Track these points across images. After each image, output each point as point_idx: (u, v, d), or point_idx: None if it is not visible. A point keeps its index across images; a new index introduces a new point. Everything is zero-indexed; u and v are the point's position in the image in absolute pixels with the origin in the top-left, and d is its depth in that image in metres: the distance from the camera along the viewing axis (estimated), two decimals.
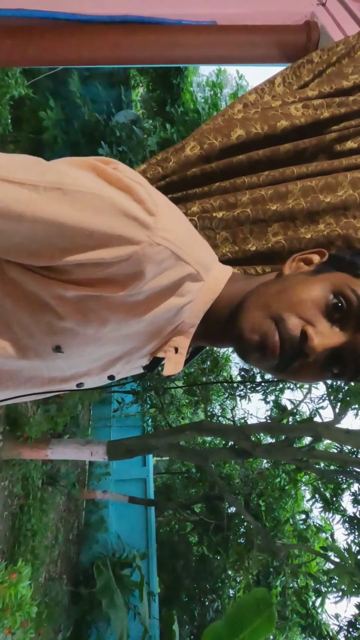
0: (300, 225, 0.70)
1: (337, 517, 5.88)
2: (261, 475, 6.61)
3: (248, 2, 1.08)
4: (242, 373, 6.63)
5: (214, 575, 7.33)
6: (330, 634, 6.23)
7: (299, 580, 6.32)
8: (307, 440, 5.43)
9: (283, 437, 5.23)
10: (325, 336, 0.55)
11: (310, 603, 6.29)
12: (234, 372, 7.43)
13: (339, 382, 4.15)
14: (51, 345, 0.59)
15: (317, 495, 6.12)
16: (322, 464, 5.76)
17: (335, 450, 5.63)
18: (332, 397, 5.33)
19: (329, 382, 4.42)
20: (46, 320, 0.57)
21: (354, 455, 5.14)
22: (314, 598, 6.28)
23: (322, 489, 6.13)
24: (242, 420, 7.21)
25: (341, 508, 5.86)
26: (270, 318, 0.56)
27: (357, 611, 5.39)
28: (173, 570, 7.70)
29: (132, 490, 7.65)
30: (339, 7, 1.05)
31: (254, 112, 0.76)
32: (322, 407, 5.89)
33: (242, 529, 6.73)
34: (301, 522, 6.79)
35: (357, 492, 5.62)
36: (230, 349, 0.68)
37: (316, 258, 0.64)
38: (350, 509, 5.78)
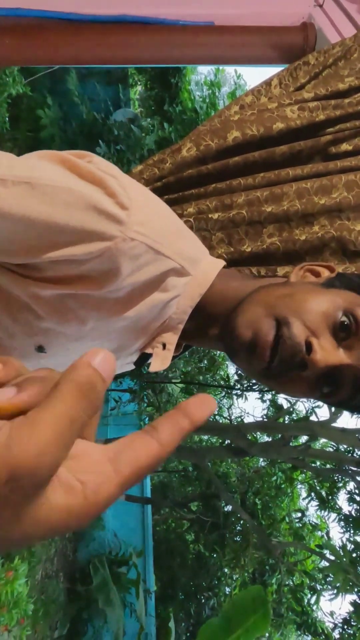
0: (295, 226, 0.70)
1: (333, 515, 5.92)
2: (257, 474, 6.64)
3: (246, 3, 1.09)
4: (239, 372, 6.65)
5: (210, 573, 7.36)
6: (325, 631, 6.27)
7: (294, 578, 6.36)
8: (303, 439, 5.46)
9: (279, 436, 5.24)
10: (328, 352, 0.53)
11: (306, 600, 6.32)
12: (231, 371, 7.43)
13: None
14: (33, 346, 0.58)
15: (312, 494, 6.15)
16: (318, 463, 5.79)
17: (331, 449, 5.65)
18: None
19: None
20: (26, 320, 0.55)
21: (350, 454, 5.16)
22: (309, 596, 6.31)
23: (317, 488, 6.16)
24: (239, 419, 7.23)
25: (337, 506, 5.89)
26: (272, 318, 0.54)
27: (351, 608, 5.42)
28: (169, 568, 7.71)
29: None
30: (336, 9, 1.06)
31: (250, 113, 0.77)
32: (318, 406, 5.91)
33: (238, 527, 6.76)
34: (297, 520, 6.82)
35: (353, 491, 5.64)
36: None
37: (325, 272, 0.63)
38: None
